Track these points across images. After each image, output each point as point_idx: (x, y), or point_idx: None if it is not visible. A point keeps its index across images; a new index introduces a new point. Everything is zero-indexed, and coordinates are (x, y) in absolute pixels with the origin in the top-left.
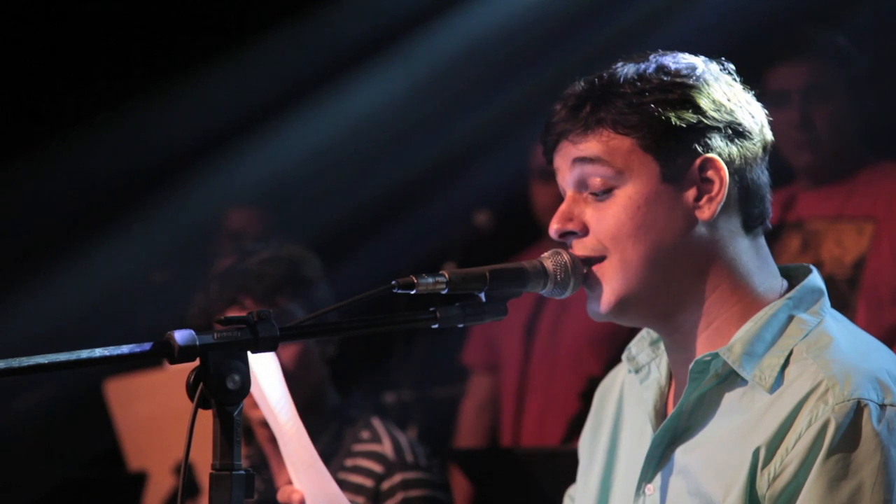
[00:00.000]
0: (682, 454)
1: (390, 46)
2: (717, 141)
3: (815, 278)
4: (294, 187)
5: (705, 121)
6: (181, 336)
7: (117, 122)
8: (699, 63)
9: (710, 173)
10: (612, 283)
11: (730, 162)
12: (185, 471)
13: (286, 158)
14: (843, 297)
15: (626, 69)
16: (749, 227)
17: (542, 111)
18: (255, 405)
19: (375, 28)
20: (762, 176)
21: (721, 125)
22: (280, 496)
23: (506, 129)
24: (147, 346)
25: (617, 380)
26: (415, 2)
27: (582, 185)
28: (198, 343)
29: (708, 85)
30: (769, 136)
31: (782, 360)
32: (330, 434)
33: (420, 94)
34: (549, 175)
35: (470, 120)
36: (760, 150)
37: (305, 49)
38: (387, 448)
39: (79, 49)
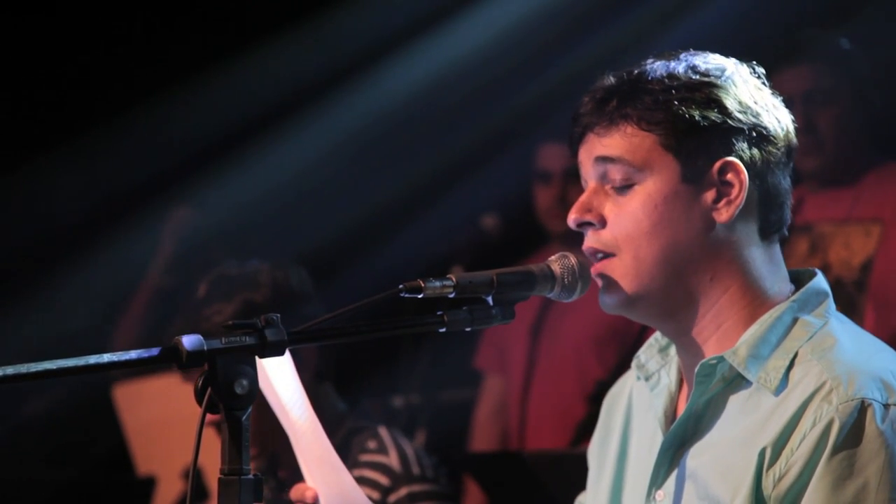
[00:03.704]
0: (691, 458)
1: (397, 50)
2: (739, 143)
3: (820, 281)
4: (301, 192)
5: (729, 122)
6: (189, 341)
7: (125, 127)
8: (729, 64)
9: (729, 176)
10: (624, 278)
11: (751, 165)
12: (194, 475)
13: (293, 163)
14: (851, 300)
15: (656, 66)
16: (765, 233)
17: (548, 114)
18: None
19: (381, 32)
20: (784, 182)
21: (745, 127)
22: (293, 493)
23: (513, 132)
24: (155, 351)
25: (625, 387)
26: (418, 7)
27: (603, 178)
28: (206, 348)
29: (735, 86)
30: (794, 141)
31: (787, 362)
32: (336, 443)
33: (427, 97)
34: (550, 177)
35: (477, 123)
36: (784, 156)
37: (312, 53)
38: (393, 460)
39: (84, 56)
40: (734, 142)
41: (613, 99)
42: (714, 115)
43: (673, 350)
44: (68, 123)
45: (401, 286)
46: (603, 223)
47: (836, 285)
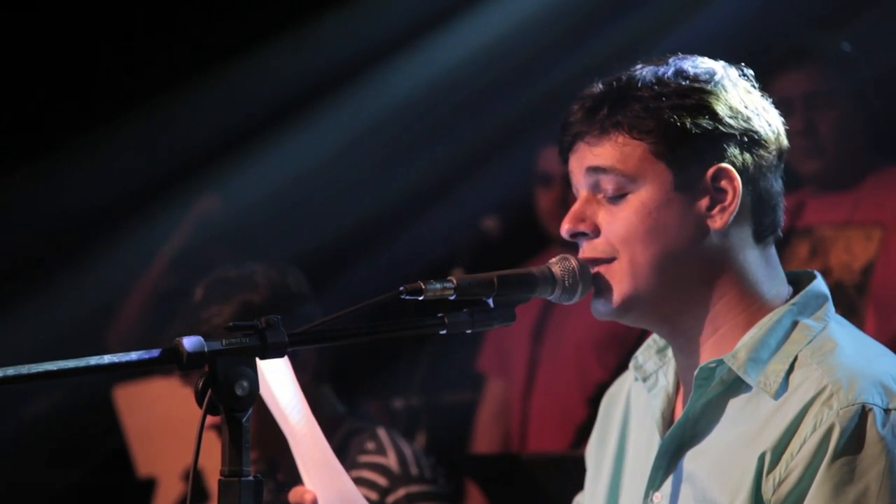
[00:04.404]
0: (688, 461)
1: (397, 53)
2: (731, 149)
3: (819, 284)
4: (303, 193)
5: (721, 128)
6: (190, 342)
7: (122, 129)
8: (718, 68)
9: (723, 183)
10: (619, 284)
11: (743, 171)
12: (194, 477)
13: (294, 165)
14: (852, 304)
15: (645, 72)
16: (760, 237)
17: (550, 116)
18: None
19: (381, 36)
20: (776, 185)
21: (737, 133)
22: (291, 496)
23: (514, 134)
24: (155, 352)
25: (623, 387)
26: (418, 10)
27: (596, 187)
28: (206, 349)
29: (725, 91)
30: (785, 143)
31: (787, 366)
32: (335, 444)
33: (428, 99)
34: (551, 180)
35: (478, 126)
36: (775, 159)
37: (312, 57)
38: (391, 460)
39: (79, 58)
40: (726, 148)
41: (603, 107)
42: (705, 122)
43: (670, 351)
44: (65, 126)
45: (401, 288)
46: (596, 232)
47: (837, 289)
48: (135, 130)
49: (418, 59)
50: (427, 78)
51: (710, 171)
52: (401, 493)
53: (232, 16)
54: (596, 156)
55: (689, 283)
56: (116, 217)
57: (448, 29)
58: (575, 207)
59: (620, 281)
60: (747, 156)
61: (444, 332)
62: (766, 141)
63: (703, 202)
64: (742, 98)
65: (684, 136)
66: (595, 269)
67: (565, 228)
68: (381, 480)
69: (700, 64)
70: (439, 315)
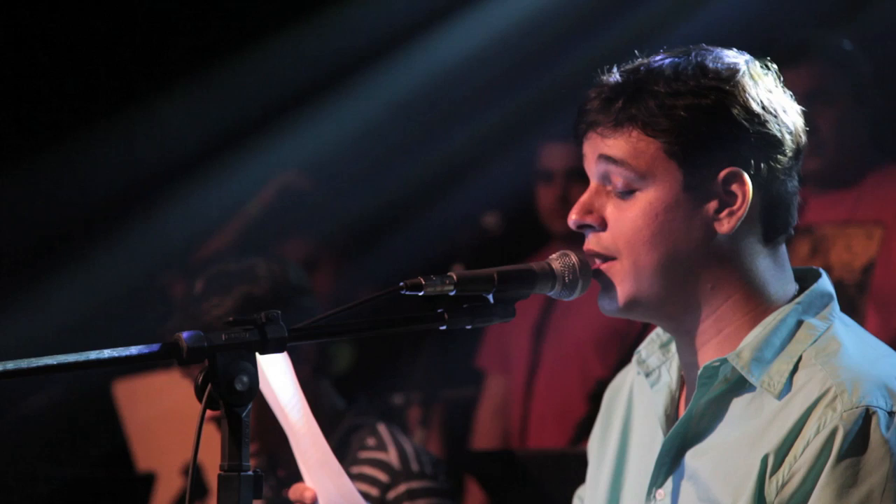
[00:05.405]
0: (692, 459)
1: (398, 49)
2: (745, 153)
3: (825, 282)
4: (301, 190)
5: (736, 131)
6: (189, 337)
7: (124, 124)
8: (741, 64)
9: (734, 187)
10: (623, 284)
11: (756, 175)
12: (194, 472)
13: (295, 161)
14: (853, 302)
15: (664, 65)
16: (769, 239)
17: (551, 113)
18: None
19: (383, 31)
20: (790, 185)
21: (752, 136)
22: (292, 494)
23: (515, 130)
24: (155, 347)
25: (626, 381)
26: (419, 6)
27: (606, 179)
28: (206, 344)
29: (745, 91)
30: (803, 141)
31: (791, 366)
32: (335, 440)
33: (428, 96)
34: (552, 176)
35: (479, 121)
36: (791, 160)
37: (312, 53)
38: (392, 456)
39: (84, 53)
40: (740, 151)
41: (619, 100)
42: (720, 125)
43: (674, 347)
44: (64, 121)
45: (402, 283)
46: (603, 226)
47: (837, 287)
48: (136, 127)
49: (418, 56)
50: (428, 74)
51: (722, 173)
52: (402, 489)
53: (229, 15)
54: (609, 146)
55: (693, 284)
56: (122, 211)
57: (449, 25)
58: (584, 198)
59: (624, 281)
60: (762, 160)
61: (444, 327)
62: (781, 143)
63: (712, 205)
64: (761, 98)
65: (698, 137)
66: (599, 266)
67: (573, 219)
68: (383, 476)
69: (723, 58)
70: (439, 311)
